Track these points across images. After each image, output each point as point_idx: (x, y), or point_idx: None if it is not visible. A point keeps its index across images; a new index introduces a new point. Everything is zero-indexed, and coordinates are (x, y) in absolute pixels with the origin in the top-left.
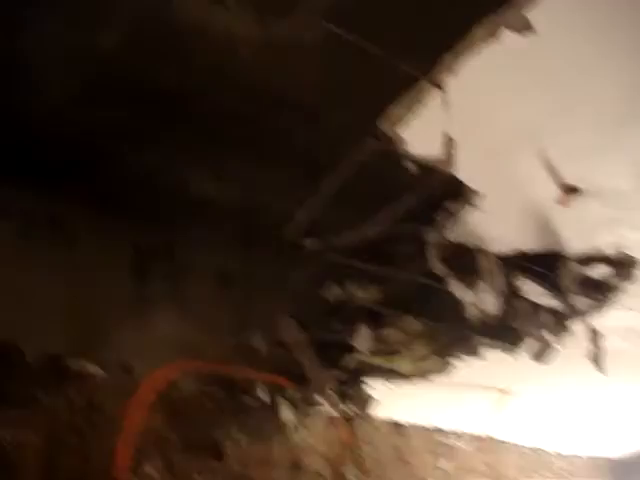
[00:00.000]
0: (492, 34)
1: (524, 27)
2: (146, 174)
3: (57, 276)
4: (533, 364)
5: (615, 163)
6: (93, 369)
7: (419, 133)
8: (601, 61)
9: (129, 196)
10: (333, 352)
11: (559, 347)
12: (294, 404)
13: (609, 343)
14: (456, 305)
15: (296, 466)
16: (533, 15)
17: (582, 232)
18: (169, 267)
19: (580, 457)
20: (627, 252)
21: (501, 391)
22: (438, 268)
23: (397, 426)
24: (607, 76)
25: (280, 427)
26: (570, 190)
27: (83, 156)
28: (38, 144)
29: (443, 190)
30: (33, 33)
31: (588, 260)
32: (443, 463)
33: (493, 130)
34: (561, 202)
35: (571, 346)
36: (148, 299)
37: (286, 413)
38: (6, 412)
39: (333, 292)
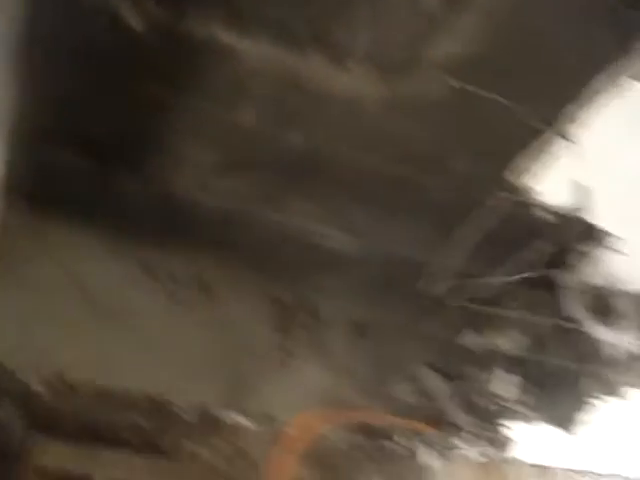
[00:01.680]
0: (615, 84)
1: None
2: (281, 233)
3: (204, 333)
4: None
5: None
6: (240, 420)
7: (553, 182)
8: None
9: (266, 254)
10: (474, 398)
11: None
12: (434, 448)
13: None
14: (596, 346)
15: None
16: None
17: None
18: (308, 319)
19: None
20: None
21: None
22: (577, 311)
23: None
24: None
25: (421, 473)
26: None
27: (222, 220)
28: (183, 211)
29: (579, 235)
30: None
31: None
32: None
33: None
34: None
35: None
36: (290, 351)
37: (426, 458)
38: (158, 461)
39: (472, 340)
